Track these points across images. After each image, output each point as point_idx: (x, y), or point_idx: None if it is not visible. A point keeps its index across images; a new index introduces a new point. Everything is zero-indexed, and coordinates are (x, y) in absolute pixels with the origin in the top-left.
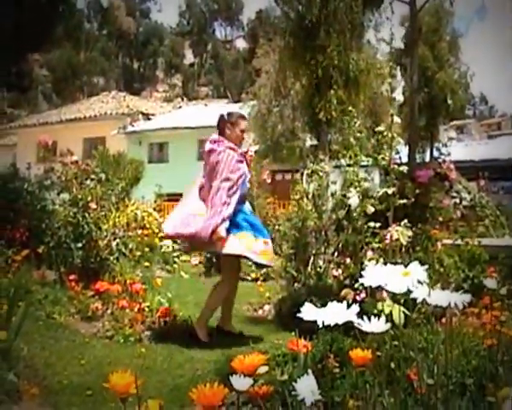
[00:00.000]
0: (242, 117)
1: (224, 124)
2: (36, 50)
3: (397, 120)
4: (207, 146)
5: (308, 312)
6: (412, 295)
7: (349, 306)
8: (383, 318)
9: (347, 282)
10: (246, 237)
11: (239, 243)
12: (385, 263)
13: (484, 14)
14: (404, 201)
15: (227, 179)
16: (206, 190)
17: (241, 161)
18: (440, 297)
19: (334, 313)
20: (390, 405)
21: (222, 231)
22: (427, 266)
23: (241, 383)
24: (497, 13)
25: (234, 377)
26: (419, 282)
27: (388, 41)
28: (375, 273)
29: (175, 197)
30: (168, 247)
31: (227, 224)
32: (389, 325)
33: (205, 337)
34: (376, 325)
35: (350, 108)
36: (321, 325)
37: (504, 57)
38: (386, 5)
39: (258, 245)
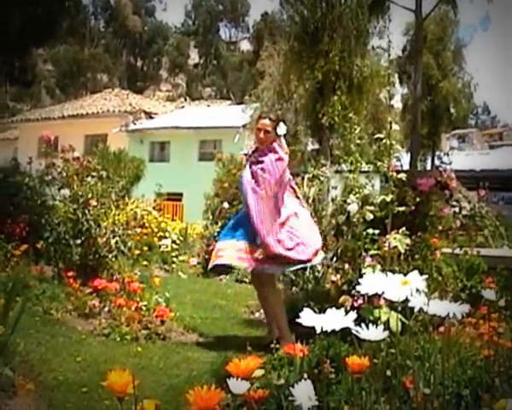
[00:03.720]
0: (260, 116)
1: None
2: (41, 45)
3: (395, 127)
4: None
5: (307, 317)
6: (410, 304)
7: (347, 312)
8: (381, 325)
9: (345, 287)
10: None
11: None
12: (383, 270)
13: (488, 25)
14: (403, 208)
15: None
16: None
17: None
18: (439, 307)
19: (332, 320)
20: None
21: None
22: (426, 276)
23: (237, 386)
24: (501, 23)
25: (231, 380)
26: (417, 291)
27: (386, 49)
28: (374, 281)
29: (175, 197)
30: (167, 246)
31: None
32: (387, 333)
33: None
34: (374, 333)
35: (351, 115)
36: (319, 331)
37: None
38: (391, 12)
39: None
